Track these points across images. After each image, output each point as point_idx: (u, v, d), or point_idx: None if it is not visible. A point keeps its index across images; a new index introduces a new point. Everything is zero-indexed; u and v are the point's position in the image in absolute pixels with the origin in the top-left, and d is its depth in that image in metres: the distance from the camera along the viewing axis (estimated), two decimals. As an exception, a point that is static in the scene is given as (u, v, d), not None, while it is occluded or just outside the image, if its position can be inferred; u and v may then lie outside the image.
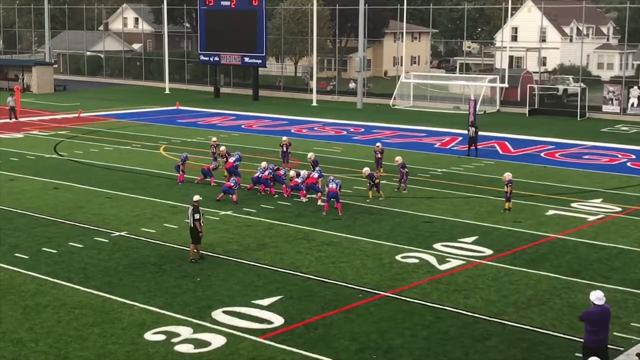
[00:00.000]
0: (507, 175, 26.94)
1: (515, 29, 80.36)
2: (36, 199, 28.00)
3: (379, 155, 33.01)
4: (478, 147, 38.13)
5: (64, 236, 23.21)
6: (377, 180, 28.12)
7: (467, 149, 38.20)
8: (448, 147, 41.06)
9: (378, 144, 34.30)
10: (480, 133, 38.99)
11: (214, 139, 34.24)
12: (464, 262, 21.12)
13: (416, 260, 21.19)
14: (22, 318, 16.94)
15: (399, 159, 30.34)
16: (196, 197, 21.49)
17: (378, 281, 19.53)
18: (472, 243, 22.90)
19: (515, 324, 16.95)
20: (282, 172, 29.68)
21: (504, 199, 26.95)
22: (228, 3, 63.28)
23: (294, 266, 20.62)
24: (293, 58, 79.79)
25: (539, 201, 28.45)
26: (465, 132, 39.70)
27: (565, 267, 20.85)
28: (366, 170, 28.15)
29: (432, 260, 21.20)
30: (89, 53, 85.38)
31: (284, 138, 34.77)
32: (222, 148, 32.44)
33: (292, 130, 46.00)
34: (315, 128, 47.65)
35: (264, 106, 59.41)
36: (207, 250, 21.59)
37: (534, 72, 66.63)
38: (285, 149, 33.64)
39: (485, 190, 30.03)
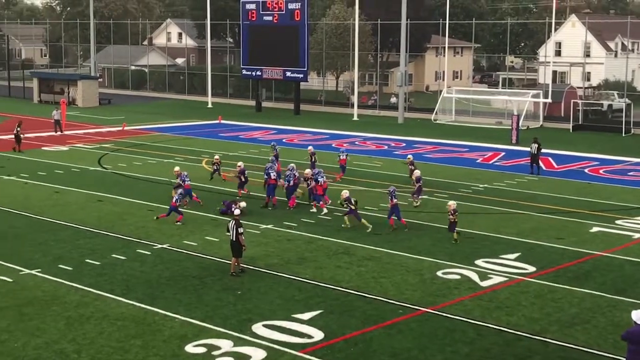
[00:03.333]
0: (452, 204, 24.93)
1: (559, 44, 79.68)
2: (80, 211, 28.34)
3: (412, 167, 32.42)
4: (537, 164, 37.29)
5: (107, 248, 23.44)
6: (354, 207, 25.95)
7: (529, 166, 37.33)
8: (490, 162, 40.75)
9: (409, 156, 34.39)
10: (523, 148, 38.58)
11: (217, 156, 34.63)
12: (506, 278, 20.90)
13: (458, 277, 21.02)
14: (65, 329, 17.12)
15: (417, 171, 30.27)
16: (237, 211, 21.57)
17: (419, 297, 19.40)
18: (515, 260, 22.65)
19: (558, 342, 16.70)
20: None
21: (547, 215, 26.62)
22: (270, 18, 63.69)
23: (334, 280, 20.58)
24: (334, 72, 79.96)
25: (583, 218, 28.07)
26: (509, 146, 39.35)
27: (609, 285, 20.52)
28: (345, 193, 26.31)
29: (474, 277, 21.00)
30: (133, 67, 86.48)
31: (310, 148, 35.36)
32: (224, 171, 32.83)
33: (333, 145, 46.01)
34: (356, 142, 47.64)
35: (305, 120, 59.58)
36: (247, 263, 21.65)
37: (578, 88, 65.93)
38: (312, 159, 33.77)
39: (527, 207, 29.71)
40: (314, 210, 28.30)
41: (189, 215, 27.59)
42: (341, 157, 34.97)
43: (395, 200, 25.78)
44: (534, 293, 19.78)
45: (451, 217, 24.59)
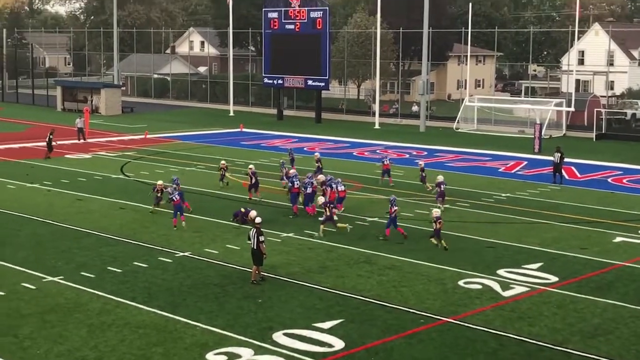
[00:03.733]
0: (436, 212, 24.86)
1: (582, 52, 79.25)
2: (103, 218, 28.52)
3: (424, 174, 33.90)
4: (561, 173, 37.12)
5: (129, 256, 23.56)
6: (329, 214, 26.23)
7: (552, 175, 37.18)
8: (513, 171, 40.56)
9: (421, 162, 35.35)
10: (546, 158, 38.38)
11: (223, 162, 35.22)
12: (528, 288, 20.77)
13: (479, 286, 20.92)
14: (87, 336, 17.21)
15: (440, 177, 30.91)
16: (258, 220, 21.62)
17: (440, 306, 19.33)
18: (537, 270, 22.52)
19: (580, 353, 16.58)
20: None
21: (570, 225, 26.45)
22: (292, 27, 63.85)
23: (355, 289, 20.55)
24: (356, 81, 80.00)
25: (606, 228, 27.87)
26: (531, 156, 39.17)
27: (632, 295, 20.34)
28: (321, 199, 27.14)
29: (496, 287, 20.90)
30: (156, 76, 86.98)
31: (316, 154, 36.35)
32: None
33: (355, 153, 46.02)
34: (378, 151, 47.57)
35: (326, 129, 59.62)
36: (268, 272, 21.67)
37: (602, 96, 65.49)
38: (319, 165, 34.69)
39: (550, 216, 29.54)
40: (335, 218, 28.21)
41: (211, 224, 27.69)
42: (385, 163, 35.66)
43: (395, 209, 25.74)
44: (556, 303, 19.65)
45: (435, 224, 24.42)
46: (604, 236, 26.67)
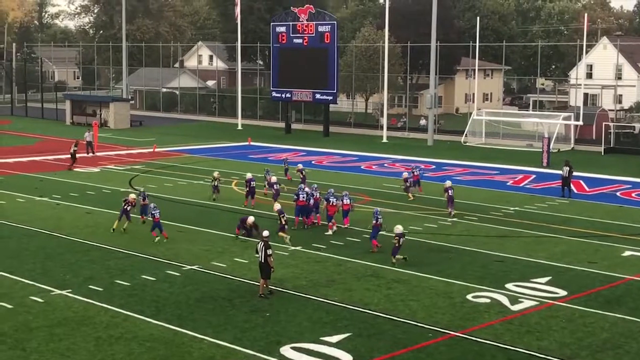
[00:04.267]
0: (398, 228, 24.39)
1: (590, 66, 79.19)
2: (111, 232, 28.52)
3: (407, 184, 35.50)
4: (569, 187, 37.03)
5: (137, 269, 23.58)
6: (284, 222, 26.71)
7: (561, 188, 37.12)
8: (521, 185, 40.49)
9: (405, 174, 36.64)
10: (554, 171, 38.31)
11: (216, 173, 35.77)
12: (537, 302, 20.69)
13: (488, 300, 20.86)
14: (94, 350, 17.20)
15: (448, 181, 32.40)
16: (266, 233, 21.63)
17: (448, 320, 19.27)
18: (546, 283, 22.43)
19: (590, 367, 16.49)
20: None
21: (579, 239, 26.37)
22: (300, 41, 64.06)
23: (363, 303, 20.51)
24: (364, 95, 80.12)
25: (615, 241, 27.76)
26: (540, 169, 39.11)
27: (642, 310, 20.25)
28: (276, 205, 28.01)
29: (504, 301, 20.83)
30: (164, 89, 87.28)
31: (299, 165, 37.74)
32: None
33: (362, 167, 46.02)
34: (386, 164, 47.59)
35: (334, 142, 59.66)
36: (276, 285, 21.65)
37: (610, 110, 65.41)
38: (303, 175, 35.78)
39: (559, 230, 29.46)
40: (329, 232, 28.32)
41: (219, 237, 27.70)
42: (415, 173, 36.56)
43: (380, 221, 25.79)
44: (565, 317, 19.57)
45: (395, 241, 24.13)
46: (613, 250, 26.58)
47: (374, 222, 26.04)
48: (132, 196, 29.30)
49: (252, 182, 32.95)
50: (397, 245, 24.12)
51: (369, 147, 56.86)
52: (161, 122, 76.30)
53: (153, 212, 27.22)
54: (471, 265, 24.37)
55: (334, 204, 28.57)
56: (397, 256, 24.16)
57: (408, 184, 35.52)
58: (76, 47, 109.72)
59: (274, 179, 33.56)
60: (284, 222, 26.79)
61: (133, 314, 19.50)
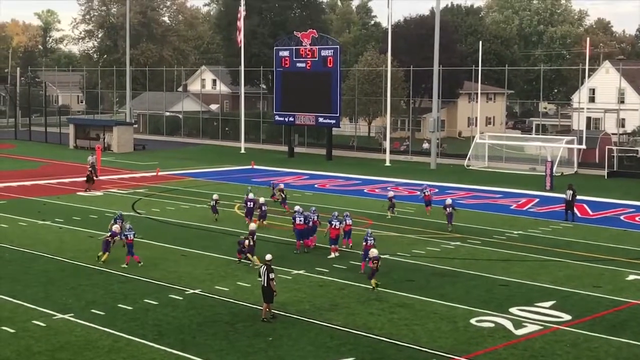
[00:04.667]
0: (373, 252, 24.34)
1: (592, 90, 79.29)
2: (114, 255, 28.45)
3: (392, 202, 36.82)
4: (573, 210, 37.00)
5: (140, 293, 23.51)
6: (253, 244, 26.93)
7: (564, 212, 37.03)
8: (524, 208, 40.41)
9: (390, 193, 38.03)
10: (558, 195, 38.26)
11: (215, 196, 36.65)
12: (541, 327, 20.58)
13: (492, 325, 20.75)
14: (96, 374, 17.12)
15: (448, 199, 33.83)
16: (268, 256, 21.59)
17: (452, 345, 19.16)
18: (550, 308, 22.33)
19: (595, 393, 16.36)
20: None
21: (583, 263, 26.27)
22: (304, 65, 64.29)
23: (366, 327, 20.41)
24: (367, 118, 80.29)
25: (619, 266, 27.65)
26: (543, 193, 39.05)
27: (647, 334, 20.12)
28: (252, 225, 28.33)
29: (508, 325, 20.72)
30: (167, 113, 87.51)
31: (280, 185, 39.46)
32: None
33: (365, 190, 46.00)
34: (389, 188, 47.48)
35: (337, 166, 59.69)
36: (279, 309, 21.56)
37: (613, 134, 65.42)
38: (283, 195, 37.79)
39: (563, 254, 29.36)
40: (332, 255, 28.35)
41: (221, 261, 27.64)
42: (426, 193, 37.71)
43: (370, 243, 25.70)
44: (569, 342, 19.46)
45: (371, 264, 24.05)
46: (617, 274, 26.47)
47: (364, 244, 26.02)
48: (116, 227, 28.17)
49: (249, 203, 33.70)
50: (374, 269, 23.91)
51: (372, 170, 56.86)
52: (164, 146, 76.44)
53: (127, 232, 27.11)
54: (475, 289, 24.27)
55: (337, 227, 28.52)
56: (372, 280, 23.93)
57: (392, 203, 36.75)
58: (80, 71, 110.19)
59: (261, 199, 34.16)
60: (252, 243, 26.83)
61: (135, 338, 19.42)
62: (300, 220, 29.16)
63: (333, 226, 28.51)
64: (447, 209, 33.22)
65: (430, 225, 34.31)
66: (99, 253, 27.53)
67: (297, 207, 30.51)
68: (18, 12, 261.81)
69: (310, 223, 29.46)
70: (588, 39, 59.14)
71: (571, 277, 25.90)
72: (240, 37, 69.96)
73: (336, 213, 29.72)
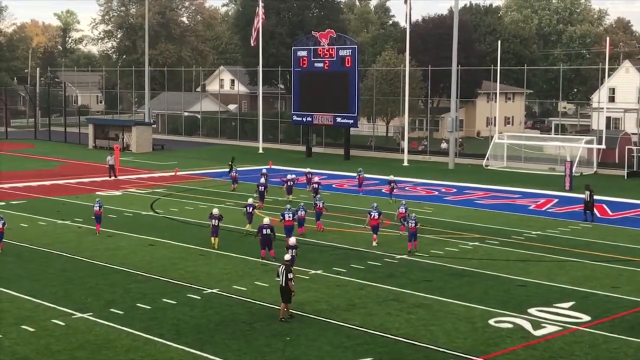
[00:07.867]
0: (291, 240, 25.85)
1: (612, 90, 78.82)
2: (132, 255, 28.64)
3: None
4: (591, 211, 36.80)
5: (158, 292, 23.60)
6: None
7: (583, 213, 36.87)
8: (543, 209, 40.22)
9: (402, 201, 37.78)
10: (577, 195, 38.03)
11: (250, 200, 35.94)
12: (560, 328, 20.48)
13: (510, 325, 20.67)
14: (115, 373, 17.20)
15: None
16: (287, 257, 21.60)
17: (470, 345, 19.10)
18: (569, 308, 22.21)
19: (614, 394, 16.26)
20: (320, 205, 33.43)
21: (602, 263, 26.10)
22: (322, 65, 64.32)
23: (383, 327, 20.39)
24: (384, 118, 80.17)
25: (638, 266, 27.46)
26: (562, 193, 38.83)
27: (667, 335, 19.97)
28: (292, 240, 28.54)
29: (527, 326, 20.63)
30: (186, 113, 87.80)
31: (289, 176, 42.58)
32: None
33: (383, 190, 45.92)
34: (407, 188, 47.47)
35: (355, 165, 59.38)
36: (296, 309, 21.58)
37: (633, 134, 64.95)
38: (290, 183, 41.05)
39: (581, 254, 29.20)
40: (374, 244, 30.07)
41: (239, 261, 27.70)
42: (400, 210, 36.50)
43: (373, 216, 29.49)
44: (588, 343, 19.35)
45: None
46: (637, 275, 26.28)
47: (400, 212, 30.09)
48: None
49: (248, 208, 33.41)
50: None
51: (390, 170, 56.68)
52: (183, 146, 76.69)
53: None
54: (493, 289, 24.18)
55: (376, 217, 30.57)
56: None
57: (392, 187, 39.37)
58: (99, 71, 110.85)
59: (250, 200, 34.35)
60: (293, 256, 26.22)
61: (154, 337, 19.49)
62: (289, 217, 30.27)
63: (372, 217, 30.57)
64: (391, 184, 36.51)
65: (449, 226, 34.19)
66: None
67: (287, 206, 31.35)
68: (37, 12, 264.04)
69: (303, 213, 31.80)
70: (608, 38, 58.75)
71: (590, 278, 25.75)
72: (254, 37, 69.93)
73: (375, 204, 31.29)
